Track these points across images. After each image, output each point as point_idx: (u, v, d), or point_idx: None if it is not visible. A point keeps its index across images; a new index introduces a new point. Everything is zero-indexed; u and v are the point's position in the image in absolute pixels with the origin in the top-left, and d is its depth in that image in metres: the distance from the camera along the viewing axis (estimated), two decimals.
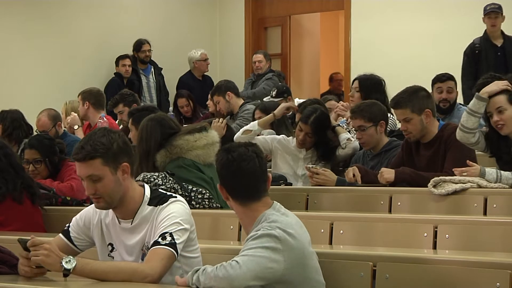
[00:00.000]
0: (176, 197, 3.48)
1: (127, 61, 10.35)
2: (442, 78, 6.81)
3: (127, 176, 3.40)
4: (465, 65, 8.27)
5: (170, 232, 3.31)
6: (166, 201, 3.43)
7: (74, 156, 3.36)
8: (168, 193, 3.51)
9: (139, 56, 10.50)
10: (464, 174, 4.71)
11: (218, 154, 3.37)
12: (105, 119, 7.50)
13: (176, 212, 3.38)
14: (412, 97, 5.14)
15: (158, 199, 3.44)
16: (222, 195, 3.38)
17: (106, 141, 3.34)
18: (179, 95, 9.77)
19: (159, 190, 3.56)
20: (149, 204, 3.44)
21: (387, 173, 5.06)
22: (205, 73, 10.81)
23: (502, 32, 8.34)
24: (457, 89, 6.94)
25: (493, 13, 8.26)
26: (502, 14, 8.28)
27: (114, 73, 10.35)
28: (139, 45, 10.52)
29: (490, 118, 4.87)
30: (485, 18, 8.31)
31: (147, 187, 3.51)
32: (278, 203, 3.34)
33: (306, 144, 6.12)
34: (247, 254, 3.11)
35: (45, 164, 5.77)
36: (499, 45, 8.27)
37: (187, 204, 3.49)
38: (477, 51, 8.26)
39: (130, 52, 10.53)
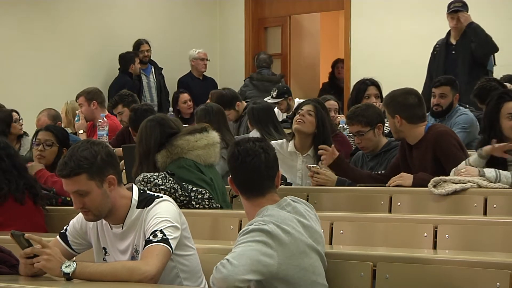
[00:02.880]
0: (162, 196, 3.48)
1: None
2: (436, 84, 6.86)
3: (113, 187, 3.40)
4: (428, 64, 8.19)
5: (160, 229, 3.31)
6: (152, 202, 3.43)
7: (59, 172, 3.36)
8: (155, 194, 3.51)
9: (138, 56, 10.49)
10: (463, 170, 4.71)
11: (228, 148, 3.37)
12: (105, 119, 7.50)
13: (163, 210, 3.38)
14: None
15: (145, 202, 3.44)
16: (232, 188, 3.39)
17: (89, 155, 3.33)
18: (180, 91, 9.81)
19: (147, 192, 3.55)
20: (137, 207, 3.44)
21: (408, 179, 5.04)
22: (205, 73, 10.83)
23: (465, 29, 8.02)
24: (457, 93, 6.87)
25: (455, 13, 7.96)
26: (467, 11, 7.97)
27: (123, 71, 10.27)
28: (137, 45, 10.52)
29: (507, 120, 4.84)
30: (448, 17, 8.01)
31: (135, 189, 3.50)
32: (292, 200, 3.34)
33: (306, 124, 5.79)
34: (237, 249, 3.11)
35: (56, 151, 5.68)
36: (454, 43, 8.03)
37: (174, 203, 3.49)
38: (435, 52, 8.12)
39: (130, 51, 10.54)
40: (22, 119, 7.76)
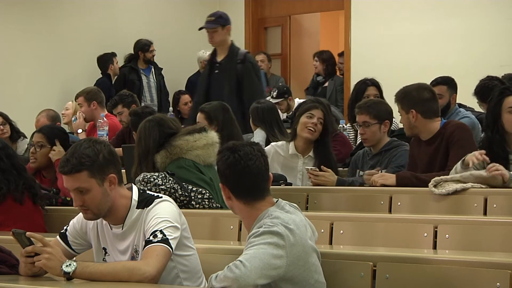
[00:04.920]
0: (161, 197, 3.48)
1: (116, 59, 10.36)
2: (432, 83, 6.80)
3: (114, 186, 3.41)
4: None
5: (160, 229, 3.31)
6: (152, 202, 3.43)
7: (60, 169, 3.38)
8: (155, 194, 3.52)
9: (146, 56, 10.43)
10: (494, 167, 4.62)
11: (221, 154, 3.34)
12: (105, 119, 7.50)
13: (163, 211, 3.39)
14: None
15: (145, 202, 3.45)
16: (224, 194, 3.36)
17: (91, 153, 3.34)
18: (182, 92, 9.79)
19: (147, 192, 3.55)
20: (137, 207, 3.45)
21: (390, 178, 5.07)
22: None
23: (232, 45, 7.49)
24: (455, 93, 6.84)
25: (208, 30, 7.47)
26: (224, 26, 7.43)
27: (103, 74, 10.25)
28: (147, 45, 10.42)
29: (509, 114, 4.81)
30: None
31: (135, 189, 3.51)
32: (284, 201, 3.36)
33: (317, 133, 5.77)
34: (250, 252, 3.12)
35: (48, 152, 5.67)
36: (218, 61, 7.53)
37: (174, 203, 3.50)
38: (203, 68, 7.67)
39: (130, 51, 10.52)
40: (9, 123, 7.63)
